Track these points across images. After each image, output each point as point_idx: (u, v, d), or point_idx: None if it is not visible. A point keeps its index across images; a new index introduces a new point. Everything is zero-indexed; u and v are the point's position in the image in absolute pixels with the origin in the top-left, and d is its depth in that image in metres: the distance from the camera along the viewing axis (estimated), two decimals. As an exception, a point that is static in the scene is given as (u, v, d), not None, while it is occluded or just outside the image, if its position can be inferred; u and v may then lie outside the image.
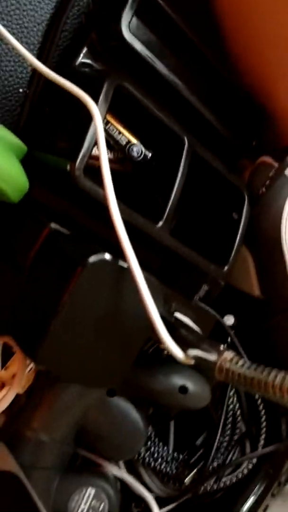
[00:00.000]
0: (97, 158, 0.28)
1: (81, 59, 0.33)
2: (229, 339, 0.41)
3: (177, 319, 0.30)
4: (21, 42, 0.33)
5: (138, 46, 0.32)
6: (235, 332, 0.43)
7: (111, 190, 0.26)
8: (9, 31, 0.32)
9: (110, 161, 0.36)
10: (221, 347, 0.26)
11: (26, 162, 0.32)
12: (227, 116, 0.39)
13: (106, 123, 0.34)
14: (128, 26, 0.32)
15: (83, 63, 0.33)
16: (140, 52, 0.33)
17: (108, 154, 0.35)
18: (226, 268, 0.37)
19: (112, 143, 0.35)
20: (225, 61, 0.40)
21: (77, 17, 0.34)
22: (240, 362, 0.25)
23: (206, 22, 0.39)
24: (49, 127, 0.33)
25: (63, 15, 0.33)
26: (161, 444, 0.42)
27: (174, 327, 0.28)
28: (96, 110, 0.27)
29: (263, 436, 0.43)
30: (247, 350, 0.43)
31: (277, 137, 0.42)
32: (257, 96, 0.40)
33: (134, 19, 0.33)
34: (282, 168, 0.37)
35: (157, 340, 0.26)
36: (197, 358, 0.26)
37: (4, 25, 0.32)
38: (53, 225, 0.28)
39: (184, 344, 0.27)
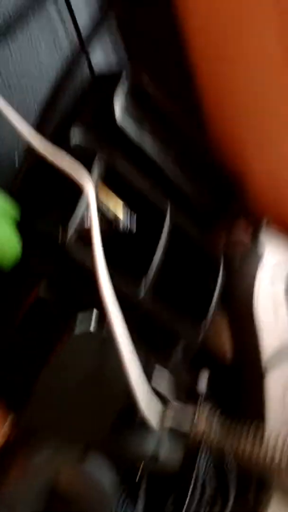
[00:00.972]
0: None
1: (74, 136, 0.36)
2: (201, 402, 0.42)
3: (154, 384, 0.31)
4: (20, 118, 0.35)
5: (128, 127, 0.35)
6: (208, 396, 0.44)
7: (102, 263, 0.28)
8: (10, 103, 0.34)
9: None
10: (196, 414, 0.27)
11: (19, 226, 0.34)
12: (205, 189, 0.42)
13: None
14: (120, 109, 0.35)
15: (76, 140, 0.36)
16: (130, 133, 0.35)
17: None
18: (201, 329, 0.39)
19: (99, 216, 0.37)
20: (204, 138, 0.44)
21: (73, 97, 0.37)
22: (217, 428, 0.26)
23: (190, 106, 0.43)
24: (43, 194, 0.35)
25: (60, 95, 0.36)
26: (130, 505, 0.42)
27: (151, 393, 0.29)
28: (89, 186, 0.29)
29: (231, 502, 0.43)
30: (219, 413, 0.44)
31: (251, 211, 0.45)
32: (233, 171, 0.44)
33: (126, 102, 0.36)
34: (255, 241, 0.40)
35: (134, 404, 0.28)
36: (171, 425, 0.27)
37: (5, 97, 0.34)
38: (41, 290, 0.29)
39: (159, 411, 0.28)
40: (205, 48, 0.40)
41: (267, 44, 0.36)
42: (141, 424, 0.30)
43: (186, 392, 0.37)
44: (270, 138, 0.40)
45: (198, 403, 0.40)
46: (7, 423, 0.34)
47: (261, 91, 0.39)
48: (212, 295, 0.40)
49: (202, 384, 0.42)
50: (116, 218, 0.36)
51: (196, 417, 0.27)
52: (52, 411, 0.28)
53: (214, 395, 0.43)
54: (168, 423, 0.28)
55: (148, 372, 0.32)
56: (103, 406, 0.30)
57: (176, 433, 0.28)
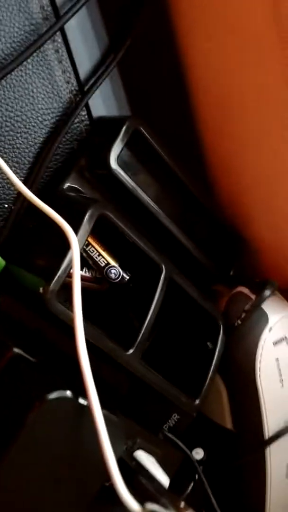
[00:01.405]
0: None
1: (68, 183, 0.34)
2: (196, 476, 0.39)
3: (138, 464, 0.28)
4: (11, 162, 0.34)
5: (123, 176, 0.34)
6: (204, 467, 0.40)
7: (81, 326, 0.25)
8: (0, 151, 0.33)
9: (88, 280, 0.36)
10: (182, 504, 0.24)
11: (1, 274, 0.32)
12: (205, 244, 0.40)
13: (87, 244, 0.34)
14: (116, 158, 0.33)
15: (70, 187, 0.34)
16: (125, 182, 0.34)
17: (86, 273, 0.35)
18: (197, 401, 0.36)
19: (91, 263, 0.35)
20: (207, 192, 0.42)
21: (70, 143, 0.36)
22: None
23: (191, 156, 0.41)
24: (29, 244, 0.33)
25: (56, 140, 0.35)
26: None
27: (134, 473, 0.26)
28: (74, 239, 0.27)
29: None
30: (216, 486, 0.40)
31: (254, 269, 0.42)
32: (236, 229, 0.41)
33: (123, 150, 0.34)
34: (259, 301, 0.37)
35: (113, 486, 0.24)
36: (154, 510, 0.24)
37: (-1, 142, 0.33)
38: (16, 350, 0.27)
39: (142, 495, 0.25)
40: (210, 101, 0.39)
41: (273, 96, 0.35)
42: (121, 507, 0.27)
43: (176, 469, 0.34)
44: (276, 194, 0.38)
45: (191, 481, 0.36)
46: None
47: (268, 146, 0.37)
48: (212, 358, 0.37)
49: (199, 452, 0.39)
50: (108, 265, 0.34)
51: (183, 507, 0.24)
52: (22, 490, 0.25)
53: (211, 472, 0.39)
54: (151, 509, 0.24)
55: (131, 448, 0.29)
56: (82, 483, 0.27)
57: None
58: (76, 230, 0.29)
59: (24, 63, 0.33)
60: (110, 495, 0.31)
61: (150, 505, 0.24)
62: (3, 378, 0.26)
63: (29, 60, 0.33)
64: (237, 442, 0.40)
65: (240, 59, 0.35)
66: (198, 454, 0.40)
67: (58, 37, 0.34)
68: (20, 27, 0.33)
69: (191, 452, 0.39)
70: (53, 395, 0.24)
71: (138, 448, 0.31)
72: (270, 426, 0.38)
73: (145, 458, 0.29)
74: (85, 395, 0.25)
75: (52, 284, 0.28)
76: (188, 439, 0.38)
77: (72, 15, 0.34)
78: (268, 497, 0.39)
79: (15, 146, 0.34)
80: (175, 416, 0.38)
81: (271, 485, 0.39)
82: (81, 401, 0.25)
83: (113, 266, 0.35)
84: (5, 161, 0.32)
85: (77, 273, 0.26)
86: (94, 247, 0.34)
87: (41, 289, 0.28)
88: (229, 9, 0.34)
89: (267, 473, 0.39)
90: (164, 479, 0.28)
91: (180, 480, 0.38)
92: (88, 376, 0.24)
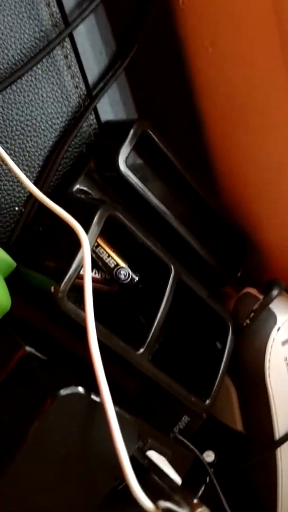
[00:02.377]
0: (82, 277, 0.29)
1: (78, 185, 0.34)
2: (207, 479, 0.38)
3: (150, 462, 0.28)
4: (22, 165, 0.34)
5: (132, 178, 0.34)
6: (215, 469, 0.40)
7: (92, 323, 0.25)
8: (11, 154, 0.34)
9: (97, 281, 0.36)
10: (195, 500, 0.24)
11: (12, 276, 0.32)
12: (214, 246, 0.40)
13: (97, 246, 0.34)
14: (125, 160, 0.34)
15: (79, 189, 0.34)
16: (134, 184, 0.34)
17: (95, 274, 0.36)
18: (208, 401, 0.36)
19: (100, 265, 0.35)
20: (214, 194, 0.42)
21: (79, 146, 0.36)
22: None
23: (199, 159, 0.42)
24: (39, 246, 0.33)
25: (66, 144, 0.35)
26: None
27: (146, 471, 0.26)
28: (85, 239, 0.27)
29: None
30: (227, 489, 0.40)
31: (262, 270, 0.42)
32: (244, 230, 0.42)
33: (132, 152, 0.35)
34: (267, 301, 0.38)
35: (127, 484, 0.24)
36: (167, 511, 0.24)
37: (7, 148, 0.33)
38: (28, 348, 0.27)
39: (154, 493, 0.25)
40: (215, 106, 0.40)
41: (279, 100, 0.35)
42: (134, 505, 0.27)
43: (187, 470, 0.34)
44: (282, 195, 0.38)
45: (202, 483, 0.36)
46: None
47: (274, 149, 0.38)
48: (221, 358, 0.37)
49: (210, 455, 0.39)
50: (117, 266, 0.34)
51: (197, 503, 0.24)
52: (35, 486, 0.25)
53: (222, 474, 0.39)
54: (165, 507, 0.24)
55: (142, 448, 0.29)
56: (94, 480, 0.27)
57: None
58: (86, 231, 0.29)
59: (34, 68, 0.34)
60: (122, 495, 0.31)
61: (164, 503, 0.24)
62: (15, 376, 0.26)
63: (39, 66, 0.34)
64: (248, 443, 0.40)
65: (244, 64, 0.36)
66: (209, 456, 0.40)
67: (67, 43, 0.35)
68: (31, 33, 0.33)
69: (202, 454, 0.39)
70: (66, 391, 0.24)
71: (149, 449, 0.31)
72: (280, 426, 0.38)
73: (156, 458, 0.29)
74: (96, 393, 0.25)
75: (63, 284, 0.28)
76: (198, 442, 0.38)
77: (81, 22, 0.34)
78: (280, 498, 0.38)
79: (25, 149, 0.34)
80: (185, 418, 0.38)
81: (282, 486, 0.38)
82: (94, 397, 0.25)
83: (123, 267, 0.35)
84: (16, 164, 0.32)
85: (88, 271, 0.26)
86: (103, 248, 0.34)
87: (52, 288, 0.29)
88: (232, 14, 0.35)
89: (278, 474, 0.39)
90: (176, 478, 0.28)
91: (191, 482, 0.38)
92: (100, 372, 0.24)
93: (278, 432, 0.38)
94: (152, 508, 0.24)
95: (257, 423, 0.39)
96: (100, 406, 0.24)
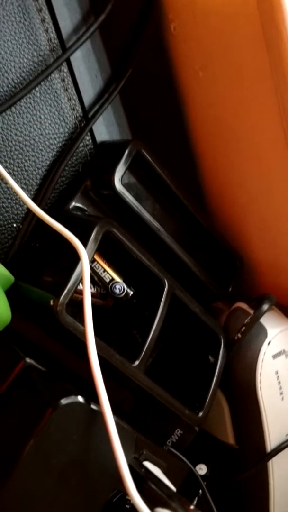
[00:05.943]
0: (80, 292, 0.29)
1: (74, 202, 0.36)
2: (200, 492, 0.39)
3: (147, 471, 0.29)
4: (20, 183, 0.35)
5: (127, 196, 0.35)
6: (207, 483, 0.40)
7: (92, 334, 0.26)
8: (10, 173, 0.35)
9: (93, 295, 0.37)
10: (192, 507, 0.25)
11: (10, 291, 0.33)
12: (205, 262, 0.42)
13: (93, 261, 0.35)
14: (120, 178, 0.35)
15: (76, 207, 0.36)
16: (129, 202, 0.35)
17: (91, 288, 0.36)
18: (201, 414, 0.37)
19: (96, 279, 0.36)
20: (205, 212, 0.44)
21: (75, 165, 0.38)
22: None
23: (190, 178, 0.43)
24: (37, 261, 0.34)
25: (63, 163, 0.37)
26: None
27: (143, 480, 0.27)
28: (84, 253, 0.28)
29: None
30: (219, 501, 0.40)
31: (252, 285, 0.44)
32: (234, 246, 0.43)
33: (127, 171, 0.36)
34: (257, 315, 0.39)
35: (125, 492, 0.25)
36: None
37: (6, 167, 0.35)
38: (28, 360, 0.28)
39: (152, 500, 0.25)
40: (205, 127, 0.42)
41: (268, 124, 0.37)
42: (132, 508, 0.27)
43: (181, 482, 0.34)
44: (270, 212, 0.40)
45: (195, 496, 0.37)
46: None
47: (261, 168, 0.39)
48: (214, 371, 0.38)
49: (202, 468, 0.39)
50: (112, 280, 0.35)
51: (193, 510, 0.24)
52: (33, 498, 0.25)
53: (214, 483, 0.39)
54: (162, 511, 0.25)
55: (139, 457, 0.30)
56: (93, 490, 0.27)
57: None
58: (84, 246, 0.30)
59: (33, 91, 0.35)
60: (117, 507, 0.32)
61: (161, 510, 0.25)
62: (16, 387, 0.27)
63: (37, 89, 0.35)
64: (240, 456, 0.41)
65: (233, 87, 0.38)
66: (202, 469, 0.41)
67: (64, 67, 0.37)
68: (29, 58, 0.35)
69: (194, 467, 0.39)
70: (66, 401, 0.25)
71: (144, 459, 0.31)
72: (272, 439, 0.39)
73: (152, 468, 0.30)
74: (95, 402, 0.26)
75: (62, 297, 0.29)
76: (191, 455, 0.39)
77: (78, 47, 0.36)
78: (272, 510, 0.39)
79: (23, 168, 0.35)
80: (178, 431, 0.38)
81: (274, 498, 0.39)
82: (93, 406, 0.26)
83: (118, 282, 0.36)
84: (15, 182, 0.33)
85: (88, 284, 0.27)
86: (99, 263, 0.35)
87: (51, 302, 0.30)
88: (221, 40, 0.36)
89: (270, 486, 0.39)
90: (172, 487, 0.29)
91: (185, 495, 0.38)
92: (99, 380, 0.24)
93: (270, 445, 0.39)
94: (150, 516, 0.25)
95: (249, 436, 0.40)
96: (99, 414, 0.25)
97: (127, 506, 0.32)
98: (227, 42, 0.36)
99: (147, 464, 0.31)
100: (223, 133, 0.40)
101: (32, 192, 0.36)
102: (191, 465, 0.38)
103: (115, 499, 0.35)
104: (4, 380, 0.27)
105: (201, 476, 0.40)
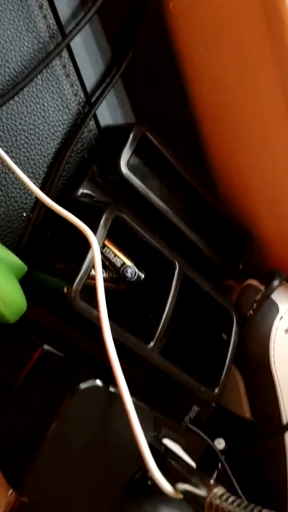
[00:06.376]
0: (92, 277, 0.30)
1: (82, 189, 0.36)
2: (219, 466, 0.40)
3: (167, 448, 0.29)
4: (27, 173, 0.36)
5: (133, 179, 0.35)
6: (226, 456, 0.41)
7: (106, 319, 0.27)
8: (16, 162, 0.35)
9: (105, 280, 0.37)
10: (212, 481, 0.25)
11: (23, 280, 0.34)
12: (214, 241, 0.42)
13: (103, 246, 0.36)
14: (126, 162, 0.35)
15: (83, 193, 0.36)
16: (136, 185, 0.35)
17: (103, 273, 0.37)
18: (217, 390, 0.37)
19: (107, 264, 0.36)
20: (212, 190, 0.44)
21: (81, 151, 0.38)
22: (231, 499, 0.24)
23: (196, 158, 0.43)
24: (49, 249, 0.35)
25: (68, 150, 0.37)
26: None
27: (163, 457, 0.28)
28: (94, 240, 0.29)
29: None
30: (238, 475, 0.41)
31: (262, 261, 0.44)
32: (243, 224, 0.43)
33: (132, 155, 0.36)
34: (268, 291, 0.39)
35: (146, 470, 0.26)
36: (186, 493, 0.25)
37: (12, 157, 0.35)
38: (46, 347, 0.28)
39: (173, 477, 0.26)
40: (210, 106, 0.41)
41: (270, 100, 0.36)
42: (154, 490, 0.28)
43: (200, 457, 0.35)
44: (279, 188, 0.40)
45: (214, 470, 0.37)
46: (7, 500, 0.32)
47: (270, 146, 0.39)
48: (227, 348, 0.39)
49: (220, 442, 0.40)
50: (124, 265, 0.36)
51: (213, 484, 0.25)
52: (58, 481, 0.26)
53: (232, 457, 0.40)
54: (184, 489, 0.26)
55: (159, 435, 0.30)
56: (114, 470, 0.28)
57: (192, 500, 0.26)
58: (94, 232, 0.30)
59: (35, 79, 0.35)
60: (139, 484, 0.33)
61: (182, 485, 0.26)
62: (36, 373, 0.28)
63: (39, 76, 0.35)
64: (256, 429, 0.42)
65: (234, 61, 0.37)
66: (220, 444, 0.41)
67: (65, 53, 0.37)
68: (29, 46, 0.35)
69: (212, 442, 0.40)
70: (85, 385, 0.26)
71: (164, 437, 0.32)
72: (287, 411, 0.39)
73: (172, 445, 0.31)
74: (112, 383, 0.26)
75: (75, 284, 0.30)
76: (209, 430, 0.40)
77: (77, 32, 0.36)
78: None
79: (30, 157, 0.36)
80: (195, 408, 0.39)
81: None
82: (111, 389, 0.26)
83: (129, 266, 0.36)
84: (22, 172, 0.34)
85: (99, 270, 0.27)
86: (109, 249, 0.36)
87: (65, 289, 0.30)
88: (220, 15, 0.36)
89: (287, 457, 0.40)
90: (191, 463, 0.30)
91: (204, 469, 0.40)
92: (116, 363, 0.25)
93: (286, 417, 0.40)
94: (171, 490, 0.26)
95: (265, 409, 0.40)
96: (118, 396, 0.26)
97: (149, 483, 0.33)
98: (226, 16, 0.36)
99: (166, 441, 0.32)
100: (228, 108, 0.40)
101: (39, 181, 0.36)
102: (209, 440, 0.39)
103: (136, 477, 0.36)
104: (23, 368, 0.28)
105: (220, 450, 0.41)
